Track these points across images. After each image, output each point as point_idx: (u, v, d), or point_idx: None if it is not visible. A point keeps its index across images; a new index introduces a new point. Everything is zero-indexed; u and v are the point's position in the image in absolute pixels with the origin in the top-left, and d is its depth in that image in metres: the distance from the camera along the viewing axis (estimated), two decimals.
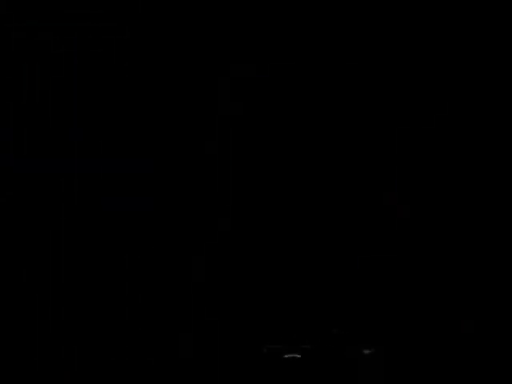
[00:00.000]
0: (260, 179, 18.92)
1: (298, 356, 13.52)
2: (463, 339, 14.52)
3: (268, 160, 18.09)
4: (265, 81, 17.73)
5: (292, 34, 17.77)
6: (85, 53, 17.23)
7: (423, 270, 14.34)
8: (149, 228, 16.16)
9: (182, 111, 17.59)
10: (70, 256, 18.26)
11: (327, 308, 14.40)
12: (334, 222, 17.70)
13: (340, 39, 17.52)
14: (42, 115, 17.48)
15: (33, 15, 16.03)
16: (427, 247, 15.67)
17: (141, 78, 18.18)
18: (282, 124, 18.39)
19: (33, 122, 17.75)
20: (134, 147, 19.45)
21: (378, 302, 14.42)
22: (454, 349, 14.82)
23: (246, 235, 16.03)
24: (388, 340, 14.42)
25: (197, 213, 16.51)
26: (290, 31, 17.67)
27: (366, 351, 15.07)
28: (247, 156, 16.47)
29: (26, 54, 16.49)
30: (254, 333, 13.72)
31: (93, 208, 18.48)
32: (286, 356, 13.54)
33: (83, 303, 14.34)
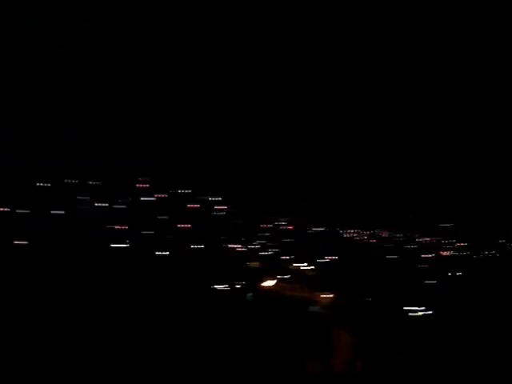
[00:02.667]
0: (259, 179, 18.72)
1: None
2: None
3: (267, 160, 17.91)
4: (265, 81, 17.58)
5: (292, 34, 17.62)
6: (85, 53, 17.12)
7: None
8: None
9: (182, 111, 17.42)
10: (69, 253, 17.97)
11: None
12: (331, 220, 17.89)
13: (340, 39, 17.37)
14: (41, 115, 17.32)
15: (33, 15, 15.98)
16: None
17: (141, 78, 17.98)
18: (281, 124, 18.18)
19: (33, 122, 17.58)
20: (134, 147, 19.15)
21: None
22: None
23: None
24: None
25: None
26: (289, 31, 17.50)
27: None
28: (247, 156, 16.39)
29: (25, 53, 16.41)
30: None
31: (93, 206, 18.21)
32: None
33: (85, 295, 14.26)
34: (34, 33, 20.00)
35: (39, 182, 23.58)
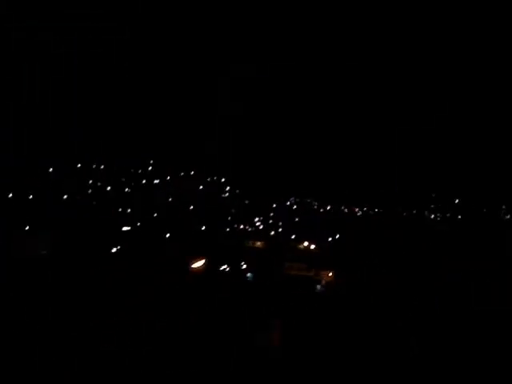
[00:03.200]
0: (259, 179, 19.12)
1: None
2: None
3: (267, 160, 18.36)
4: (265, 81, 17.86)
5: (291, 34, 17.89)
6: (85, 53, 17.17)
7: None
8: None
9: (182, 111, 17.57)
10: (69, 251, 17.93)
11: None
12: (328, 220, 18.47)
13: (340, 39, 17.67)
14: (41, 115, 17.35)
15: (33, 15, 15.99)
16: None
17: (141, 78, 18.08)
18: (281, 124, 18.58)
19: (33, 121, 17.62)
20: (134, 147, 19.28)
21: None
22: None
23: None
24: None
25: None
26: (289, 32, 17.78)
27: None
28: (246, 156, 16.82)
29: (25, 53, 16.43)
30: None
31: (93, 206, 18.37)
32: None
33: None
34: (34, 33, 20.07)
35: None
